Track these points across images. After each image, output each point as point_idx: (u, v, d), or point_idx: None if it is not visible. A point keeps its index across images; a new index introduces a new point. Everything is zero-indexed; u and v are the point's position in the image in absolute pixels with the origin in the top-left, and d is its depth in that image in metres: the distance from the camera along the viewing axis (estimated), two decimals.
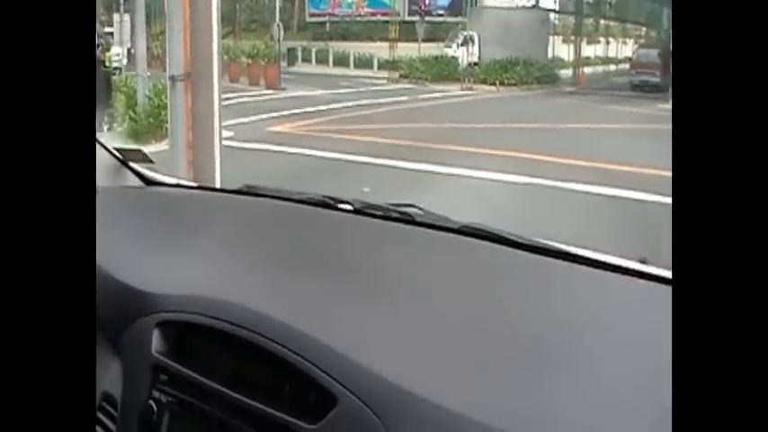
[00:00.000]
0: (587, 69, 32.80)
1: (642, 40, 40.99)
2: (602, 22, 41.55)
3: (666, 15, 34.06)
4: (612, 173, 8.97)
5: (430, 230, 1.47)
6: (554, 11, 35.73)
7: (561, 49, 34.71)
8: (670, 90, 22.23)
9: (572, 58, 33.64)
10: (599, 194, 7.74)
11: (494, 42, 27.22)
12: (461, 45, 27.38)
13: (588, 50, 35.95)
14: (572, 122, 14.90)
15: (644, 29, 45.96)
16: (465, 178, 8.49)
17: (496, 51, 27.00)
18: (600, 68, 35.82)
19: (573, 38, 34.89)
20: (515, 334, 1.07)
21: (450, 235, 1.43)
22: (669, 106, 20.15)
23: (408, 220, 1.51)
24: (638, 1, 41.58)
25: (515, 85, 25.91)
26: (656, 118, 16.53)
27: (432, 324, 1.09)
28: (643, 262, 1.45)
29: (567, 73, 30.78)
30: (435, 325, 1.08)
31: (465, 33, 28.07)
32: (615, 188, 7.87)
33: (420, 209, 1.55)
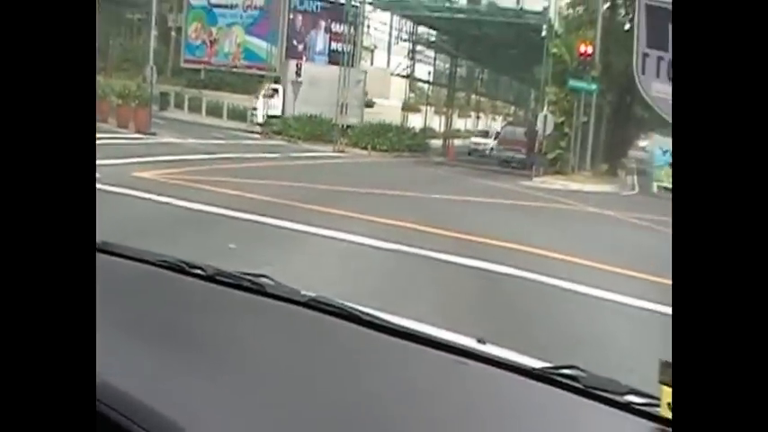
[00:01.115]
0: (457, 141, 34.09)
1: (510, 118, 43.24)
2: (473, 97, 43.49)
3: (533, 97, 36.11)
4: (469, 243, 9.31)
5: (279, 302, 1.49)
6: (428, 82, 37.10)
7: (433, 120, 36.00)
8: (533, 167, 23.50)
9: (443, 129, 34.93)
10: (456, 264, 7.99)
11: (303, 98, 28.15)
12: (264, 97, 27.99)
13: (459, 123, 37.42)
14: (437, 193, 15.37)
15: (512, 107, 48.51)
16: (329, 239, 8.54)
17: (301, 107, 27.95)
18: (468, 141, 37.33)
19: (445, 110, 36.28)
20: (343, 409, 1.10)
21: (298, 308, 1.46)
22: (531, 183, 21.26)
23: (259, 290, 1.53)
24: (507, 80, 43.96)
25: (387, 150, 26.53)
26: (518, 194, 17.38)
27: (264, 399, 1.10)
28: (481, 342, 1.54)
29: (437, 143, 31.89)
30: (268, 400, 1.10)
31: (270, 86, 28.67)
32: (471, 259, 8.14)
33: (271, 280, 1.58)
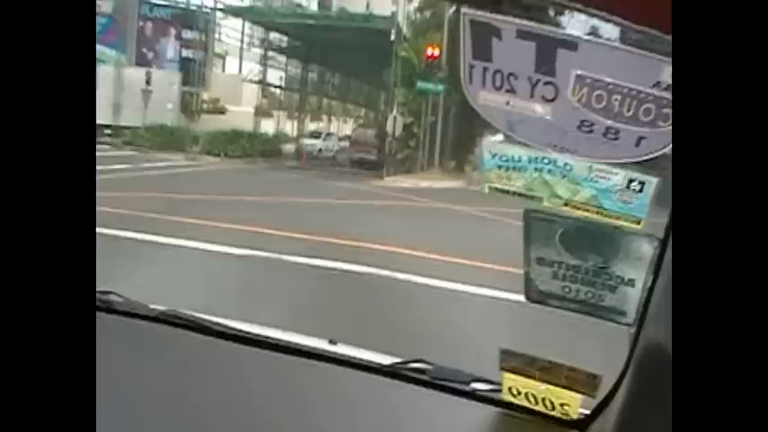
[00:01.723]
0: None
1: (361, 121, 43.84)
2: (324, 100, 43.73)
3: (383, 99, 36.78)
4: (323, 244, 9.39)
5: (127, 319, 1.46)
6: (280, 87, 36.94)
7: (285, 125, 35.88)
8: (384, 168, 23.96)
9: (295, 133, 34.87)
10: (311, 265, 8.04)
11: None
12: None
13: (311, 127, 37.46)
14: (291, 196, 15.34)
15: (363, 110, 49.16)
16: (183, 249, 8.34)
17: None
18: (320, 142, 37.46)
19: (297, 114, 36.26)
20: (192, 418, 1.10)
21: (147, 323, 1.44)
22: (382, 183, 21.65)
23: (107, 307, 1.49)
24: (358, 84, 44.53)
25: (240, 157, 26.14)
26: (370, 194, 17.65)
27: (111, 414, 1.08)
28: (332, 343, 1.57)
29: (290, 148, 31.79)
30: (114, 415, 1.08)
31: None
32: (325, 260, 8.22)
33: (119, 296, 1.54)
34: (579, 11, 0.95)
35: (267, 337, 1.44)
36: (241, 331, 1.45)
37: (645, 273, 1.18)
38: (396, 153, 25.50)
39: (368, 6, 28.08)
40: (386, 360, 1.45)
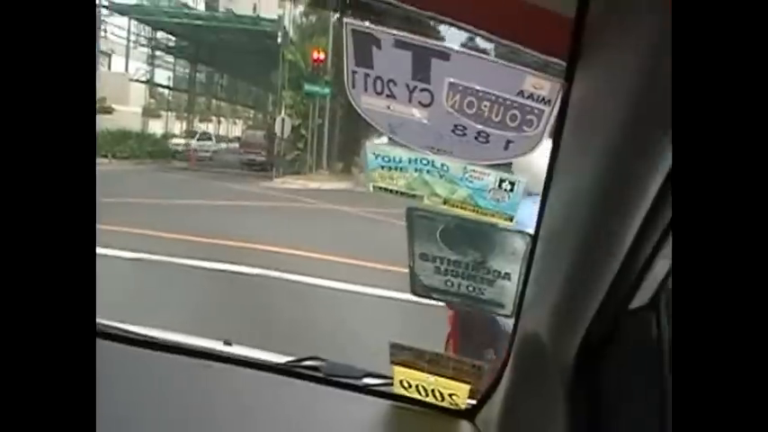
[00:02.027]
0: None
1: (250, 122, 43.27)
2: (213, 101, 42.94)
3: (272, 101, 36.41)
4: (212, 246, 9.29)
5: None
6: (168, 87, 35.98)
7: (174, 126, 35.00)
8: (273, 169, 23.79)
9: (184, 134, 34.05)
10: (201, 267, 7.93)
11: None
12: None
13: (201, 128, 36.69)
14: (180, 198, 15.01)
15: (252, 111, 48.56)
16: None
17: None
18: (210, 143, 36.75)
19: (186, 115, 35.43)
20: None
21: None
22: (271, 184, 21.49)
23: None
24: (246, 86, 43.96)
25: (127, 158, 25.32)
26: (259, 195, 17.49)
27: None
28: (227, 344, 1.59)
29: (180, 148, 31.04)
30: None
31: None
32: (214, 261, 8.14)
33: None
34: (451, 24, 1.03)
35: (161, 339, 1.44)
36: (135, 333, 1.45)
37: (519, 266, 1.27)
38: (285, 155, 25.45)
39: (255, 9, 27.79)
40: (281, 359, 1.48)
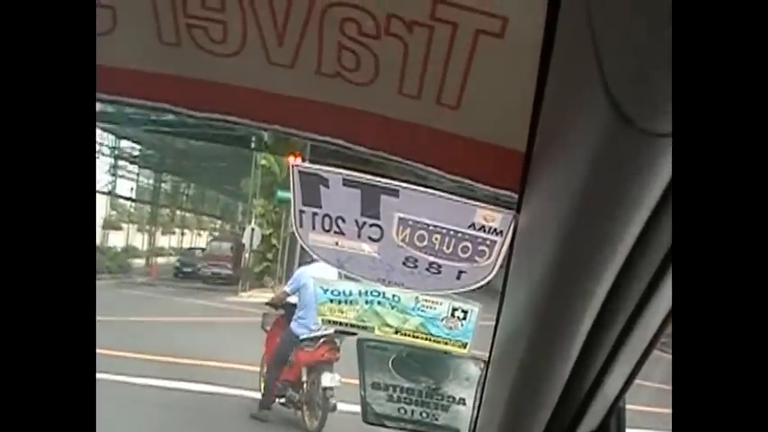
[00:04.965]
0: (161, 259, 33.09)
1: (216, 233, 42.98)
2: (178, 212, 42.76)
3: (240, 210, 36.28)
4: (170, 365, 9.12)
5: None
6: (130, 198, 35.88)
7: (136, 239, 34.70)
8: (240, 282, 23.41)
9: (146, 247, 33.76)
10: (159, 387, 7.76)
11: None
12: None
13: (163, 240, 36.47)
14: (139, 315, 14.77)
15: (219, 221, 48.46)
16: None
17: None
18: (174, 259, 36.41)
19: (148, 227, 35.22)
20: None
21: None
22: (237, 298, 21.19)
23: None
24: (215, 195, 43.94)
25: None
26: (222, 311, 17.25)
27: None
28: None
29: (140, 262, 30.68)
30: None
31: None
32: (174, 380, 7.97)
33: None
34: (402, 164, 1.06)
35: None
36: None
37: (474, 391, 1.28)
38: (253, 266, 25.01)
39: None
40: None
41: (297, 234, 1.04)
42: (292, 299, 7.50)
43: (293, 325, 7.39)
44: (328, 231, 1.05)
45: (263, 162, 25.32)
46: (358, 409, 1.39)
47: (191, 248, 34.03)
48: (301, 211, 1.04)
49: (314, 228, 1.05)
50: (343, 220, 1.04)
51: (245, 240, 24.31)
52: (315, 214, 1.04)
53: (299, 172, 1.02)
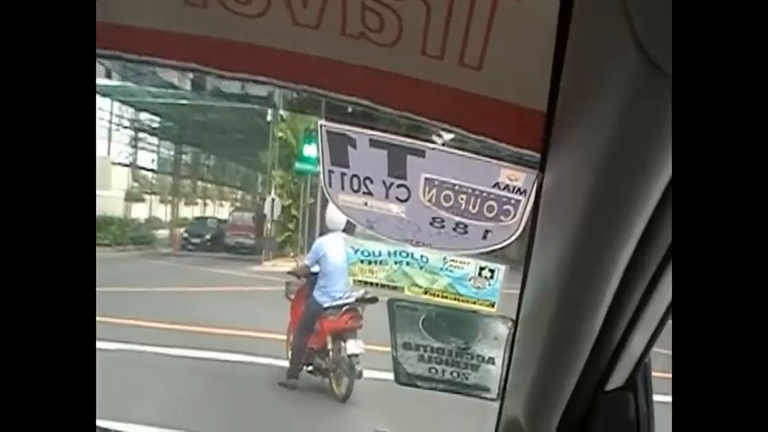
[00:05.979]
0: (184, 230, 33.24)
1: (238, 204, 43.13)
2: (199, 183, 42.86)
3: (260, 181, 36.20)
4: (198, 335, 9.20)
5: None
6: (152, 170, 35.95)
7: (158, 210, 34.87)
8: (263, 251, 23.54)
9: (169, 218, 33.89)
10: (186, 357, 7.84)
11: None
12: None
13: (186, 211, 36.59)
14: (165, 286, 14.92)
15: (240, 192, 48.58)
16: None
17: None
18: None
19: (171, 198, 35.34)
20: None
21: None
22: (261, 267, 21.30)
23: None
24: (234, 166, 43.91)
25: (109, 245, 25.02)
26: (248, 280, 17.37)
27: None
28: None
29: (164, 234, 30.82)
30: None
31: None
32: (200, 350, 8.05)
33: None
34: (427, 124, 1.06)
35: None
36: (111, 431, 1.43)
37: (503, 350, 1.29)
38: (275, 236, 25.14)
39: (243, 87, 27.90)
40: None
41: (327, 194, 1.05)
42: (314, 268, 7.54)
43: (316, 293, 7.44)
44: (357, 192, 1.06)
45: (280, 134, 25.38)
46: (383, 375, 1.40)
47: (199, 218, 33.75)
48: (330, 171, 1.05)
49: (343, 188, 1.06)
50: (371, 181, 1.05)
51: (267, 211, 24.41)
52: (343, 174, 1.05)
53: (327, 132, 1.03)
